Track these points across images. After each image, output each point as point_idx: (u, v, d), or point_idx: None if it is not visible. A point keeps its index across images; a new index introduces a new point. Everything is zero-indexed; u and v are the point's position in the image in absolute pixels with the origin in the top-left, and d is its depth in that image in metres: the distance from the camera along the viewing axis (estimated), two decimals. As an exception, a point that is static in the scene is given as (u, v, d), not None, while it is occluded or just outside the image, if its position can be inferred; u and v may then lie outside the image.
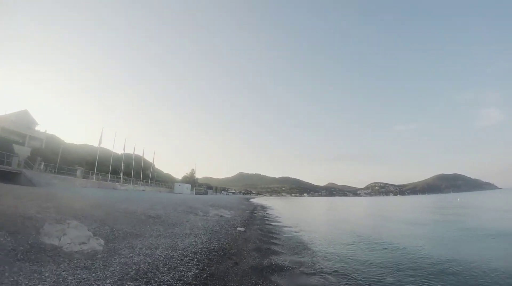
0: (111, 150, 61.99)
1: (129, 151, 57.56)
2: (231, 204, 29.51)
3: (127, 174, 55.94)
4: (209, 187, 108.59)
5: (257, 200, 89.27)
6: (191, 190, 60.58)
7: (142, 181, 49.54)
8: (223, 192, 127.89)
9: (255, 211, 26.93)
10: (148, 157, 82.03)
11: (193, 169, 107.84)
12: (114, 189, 35.73)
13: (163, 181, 68.13)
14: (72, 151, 67.33)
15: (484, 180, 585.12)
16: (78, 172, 46.30)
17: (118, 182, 42.13)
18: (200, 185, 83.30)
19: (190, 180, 73.18)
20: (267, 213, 26.34)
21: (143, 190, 42.77)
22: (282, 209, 37.22)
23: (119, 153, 69.36)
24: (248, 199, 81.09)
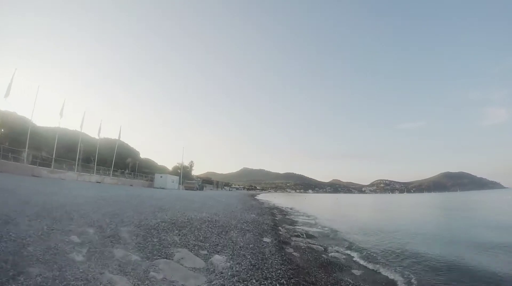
0: (90, 135, 48.37)
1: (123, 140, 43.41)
2: (231, 208, 14.51)
3: (102, 162, 42.11)
4: (209, 181, 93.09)
5: (264, 196, 74.29)
6: (179, 183, 45.37)
7: (97, 168, 34.59)
8: (225, 187, 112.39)
9: (280, 228, 11.88)
10: (133, 145, 67.49)
11: (191, 161, 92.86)
12: (34, 176, 21.01)
13: (151, 173, 53.86)
14: (36, 133, 53.86)
15: (490, 179, 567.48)
16: (24, 156, 33.30)
17: (49, 166, 27.58)
18: (195, 178, 65.48)
19: (184, 172, 57.77)
20: (310, 234, 11.46)
21: (98, 182, 27.92)
22: (312, 212, 22.59)
23: (96, 138, 55.29)
24: (253, 196, 66.36)
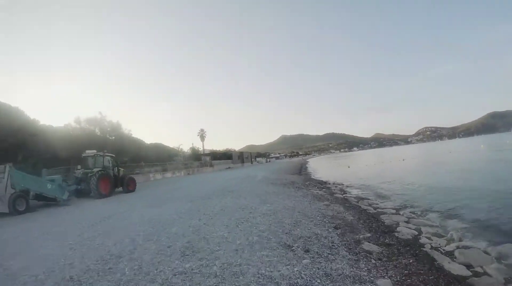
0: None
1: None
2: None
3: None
4: (227, 156, 64.35)
5: (317, 165, 47.07)
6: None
7: None
8: (257, 159, 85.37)
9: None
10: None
11: (201, 130, 70.46)
12: None
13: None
14: None
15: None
16: None
17: None
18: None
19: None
20: None
21: None
22: None
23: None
24: (302, 170, 39.40)
